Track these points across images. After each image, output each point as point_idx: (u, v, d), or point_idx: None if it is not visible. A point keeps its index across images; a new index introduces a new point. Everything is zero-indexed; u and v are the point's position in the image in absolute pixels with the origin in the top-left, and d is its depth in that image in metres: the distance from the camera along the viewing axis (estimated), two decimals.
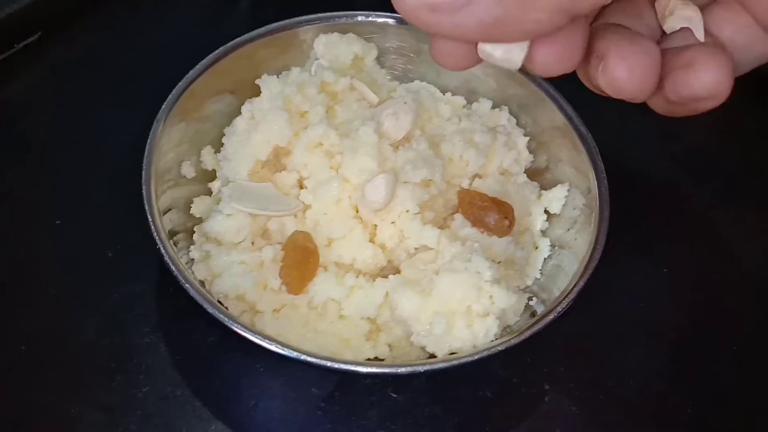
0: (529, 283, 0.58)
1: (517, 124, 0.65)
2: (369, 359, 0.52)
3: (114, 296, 0.58)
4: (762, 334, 0.63)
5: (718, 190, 0.71)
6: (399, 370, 0.45)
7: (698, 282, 0.65)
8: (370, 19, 0.65)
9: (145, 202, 0.51)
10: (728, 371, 0.60)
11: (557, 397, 0.57)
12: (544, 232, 0.61)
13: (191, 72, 0.59)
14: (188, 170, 0.58)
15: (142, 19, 0.78)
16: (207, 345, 0.56)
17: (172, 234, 0.55)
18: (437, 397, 0.55)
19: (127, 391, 0.54)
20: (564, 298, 0.50)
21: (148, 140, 0.54)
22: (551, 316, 0.49)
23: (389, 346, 0.53)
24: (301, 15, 0.72)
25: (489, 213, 0.53)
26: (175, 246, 0.55)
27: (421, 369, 0.45)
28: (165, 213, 0.55)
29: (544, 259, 0.59)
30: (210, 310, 0.46)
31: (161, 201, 0.54)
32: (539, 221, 0.60)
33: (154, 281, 0.59)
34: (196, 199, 0.57)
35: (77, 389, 0.54)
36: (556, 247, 0.59)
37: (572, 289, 0.50)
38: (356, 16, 0.65)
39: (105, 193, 0.64)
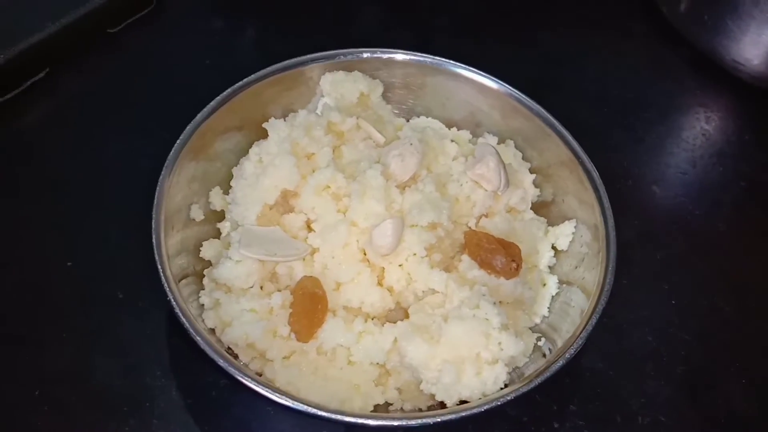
0: (538, 321, 0.58)
1: (523, 158, 0.65)
2: (378, 404, 0.52)
3: (125, 339, 0.59)
4: None
5: (726, 218, 0.71)
6: (407, 423, 0.45)
7: (707, 312, 0.65)
8: (375, 55, 0.66)
9: (155, 253, 0.51)
10: (740, 402, 0.60)
11: None
12: (551, 268, 0.61)
13: (199, 115, 0.59)
14: (197, 213, 0.59)
15: (148, 51, 0.79)
16: (218, 387, 0.57)
17: (182, 277, 0.56)
18: None
19: None
20: (572, 344, 0.50)
21: (157, 187, 0.55)
22: (560, 362, 0.49)
23: (399, 390, 0.53)
24: (305, 42, 0.73)
25: (496, 256, 0.53)
26: (186, 289, 0.56)
27: (429, 421, 0.45)
28: (175, 257, 0.56)
29: (552, 296, 0.59)
30: (220, 362, 0.46)
31: (171, 245, 0.55)
32: (546, 257, 0.60)
33: (164, 323, 0.59)
34: (205, 243, 0.58)
35: None
36: (564, 284, 0.59)
37: (580, 333, 0.50)
38: (362, 53, 0.65)
39: (115, 232, 0.64)
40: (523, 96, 0.63)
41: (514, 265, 0.53)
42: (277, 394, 0.46)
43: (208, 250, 0.57)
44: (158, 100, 0.74)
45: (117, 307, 0.60)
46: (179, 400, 0.56)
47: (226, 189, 0.61)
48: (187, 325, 0.48)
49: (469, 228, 0.58)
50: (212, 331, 0.53)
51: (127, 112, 0.73)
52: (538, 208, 0.64)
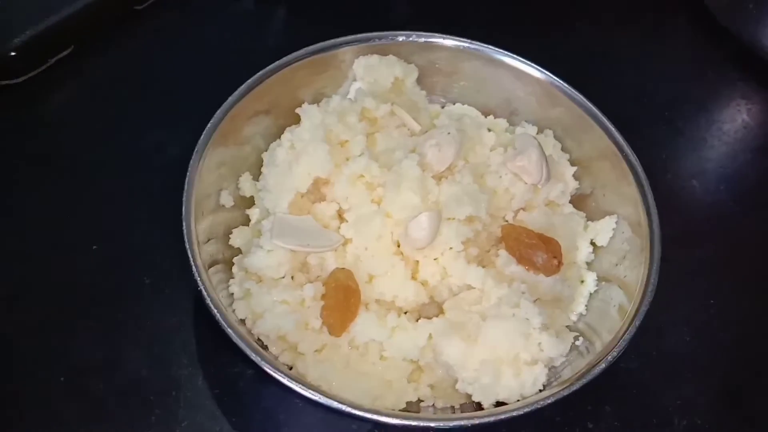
0: (575, 319, 0.56)
1: (562, 149, 0.63)
2: (411, 402, 0.51)
3: (152, 326, 0.58)
4: None
5: (759, 219, 0.69)
6: (443, 425, 0.43)
7: (747, 314, 0.63)
8: (411, 39, 0.63)
9: (186, 241, 0.50)
10: None
11: None
12: (589, 264, 0.59)
13: (228, 100, 0.58)
14: (227, 199, 0.57)
15: (175, 30, 0.77)
16: (245, 378, 0.55)
17: (210, 264, 0.55)
18: None
19: (165, 426, 0.53)
20: (615, 346, 0.48)
21: (188, 173, 0.53)
22: (602, 365, 0.47)
23: (431, 386, 0.52)
24: (338, 25, 0.71)
25: (537, 252, 0.52)
26: (214, 277, 0.54)
27: (467, 423, 0.44)
28: (204, 244, 0.54)
29: (590, 293, 0.57)
30: (253, 357, 0.45)
31: (200, 231, 0.53)
32: (585, 253, 0.59)
33: (191, 311, 0.58)
34: (235, 230, 0.56)
35: (116, 423, 0.53)
36: (603, 282, 0.57)
37: (623, 336, 0.49)
38: (397, 36, 0.63)
39: (142, 217, 0.63)
40: (565, 84, 0.61)
41: (555, 261, 0.51)
42: (311, 391, 0.44)
43: (237, 238, 0.56)
44: (186, 82, 0.72)
45: (143, 294, 0.59)
46: (206, 390, 0.55)
47: (256, 175, 0.60)
48: (218, 317, 0.47)
49: (507, 222, 0.57)
50: (243, 322, 0.51)
51: (154, 93, 0.72)
52: (576, 201, 0.62)
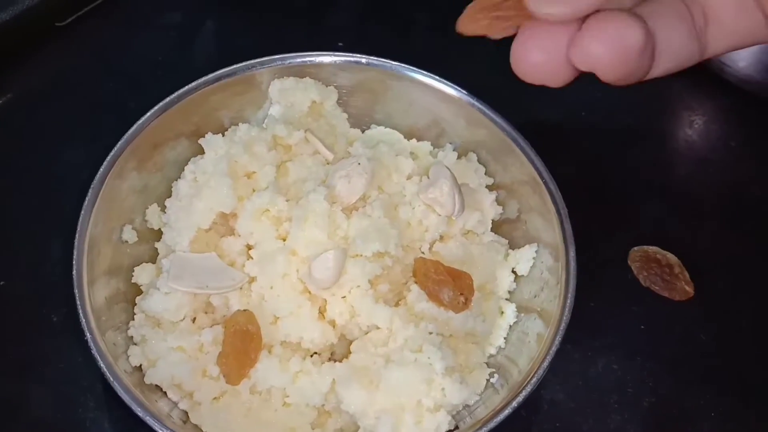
0: (493, 352, 0.55)
1: (487, 172, 0.60)
2: None
3: (59, 366, 0.56)
4: (744, 396, 0.59)
5: (707, 235, 0.67)
6: None
7: (679, 340, 0.61)
8: (331, 59, 0.61)
9: (75, 289, 0.47)
10: None
11: None
12: (511, 294, 0.57)
13: (136, 126, 0.55)
14: (130, 234, 0.55)
15: (99, 48, 0.74)
16: None
17: (117, 301, 0.53)
18: None
19: None
20: (522, 387, 0.46)
21: (81, 212, 0.51)
22: (506, 411, 0.45)
23: (339, 430, 0.50)
24: (267, 35, 0.68)
25: (444, 288, 0.50)
26: (120, 316, 0.52)
27: None
28: (110, 278, 0.52)
29: (510, 326, 0.55)
30: (139, 412, 0.43)
31: (101, 266, 0.52)
32: (506, 283, 0.57)
33: None
34: (137, 268, 0.54)
35: None
36: (523, 313, 0.55)
37: (530, 379, 0.47)
38: (316, 56, 0.61)
39: (51, 249, 0.60)
40: (486, 107, 0.58)
41: (462, 299, 0.49)
42: None
43: (140, 276, 0.54)
44: (108, 100, 0.70)
45: (51, 332, 0.57)
46: None
47: (164, 207, 0.57)
48: (104, 368, 0.45)
49: (423, 253, 0.55)
50: (139, 368, 0.49)
51: (74, 115, 0.69)
52: (501, 225, 0.60)
